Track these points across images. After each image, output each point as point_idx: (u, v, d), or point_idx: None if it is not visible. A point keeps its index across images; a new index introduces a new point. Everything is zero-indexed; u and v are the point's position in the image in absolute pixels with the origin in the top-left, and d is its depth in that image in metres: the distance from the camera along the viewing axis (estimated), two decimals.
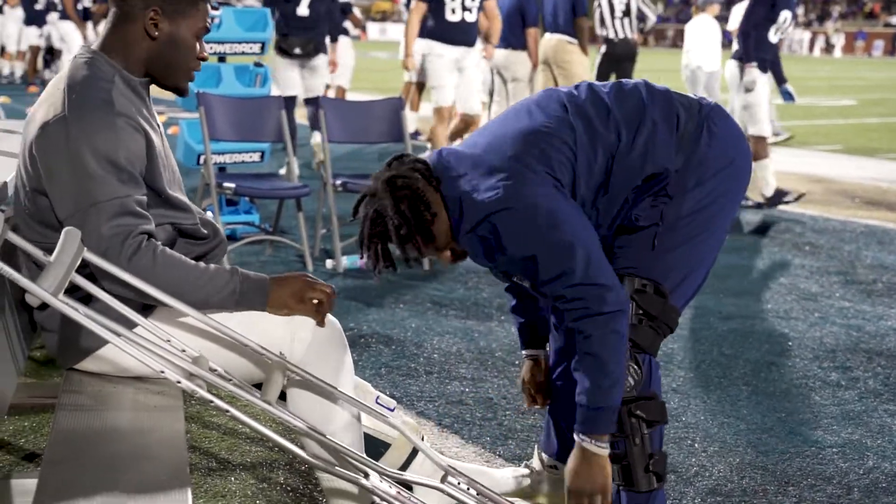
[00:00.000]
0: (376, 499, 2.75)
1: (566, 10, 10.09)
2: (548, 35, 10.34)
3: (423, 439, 2.82)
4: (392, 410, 3.13)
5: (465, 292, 5.74)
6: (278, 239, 6.45)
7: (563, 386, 3.02)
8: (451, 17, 8.90)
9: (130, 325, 2.46)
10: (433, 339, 4.89)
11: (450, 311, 5.36)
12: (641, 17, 11.67)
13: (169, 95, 3.08)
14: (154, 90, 2.82)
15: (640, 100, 2.78)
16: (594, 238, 2.67)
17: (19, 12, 18.07)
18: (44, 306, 2.30)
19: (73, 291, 2.42)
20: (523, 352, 3.22)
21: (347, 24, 12.85)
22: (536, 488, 3.25)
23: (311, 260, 6.06)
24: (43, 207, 2.61)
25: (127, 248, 2.47)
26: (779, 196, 8.42)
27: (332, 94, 12.28)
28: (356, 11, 13.91)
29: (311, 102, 9.38)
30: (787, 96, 8.74)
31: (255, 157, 6.76)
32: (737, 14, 8.37)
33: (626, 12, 11.38)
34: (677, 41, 64.14)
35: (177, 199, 2.76)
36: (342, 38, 12.65)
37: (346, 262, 6.12)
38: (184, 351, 2.52)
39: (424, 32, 9.31)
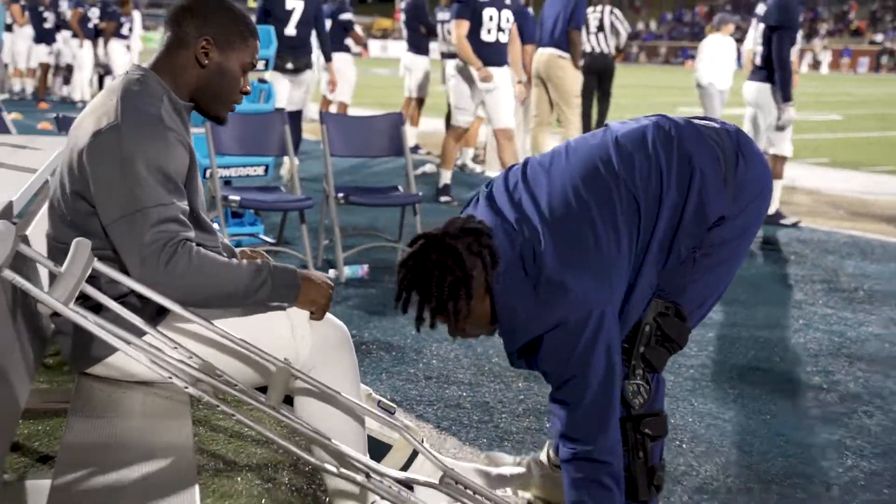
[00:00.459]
0: (377, 499, 2.78)
1: (565, 20, 10.14)
2: (540, 50, 10.34)
3: (422, 441, 2.84)
4: (393, 414, 3.15)
5: None
6: (282, 249, 6.45)
7: None
8: (487, 38, 9.05)
9: (140, 333, 2.46)
10: (432, 346, 4.91)
11: None
12: (615, 33, 11.76)
13: None
14: None
15: (686, 152, 2.68)
16: (617, 377, 2.61)
17: (29, 30, 18.02)
18: (56, 314, 2.33)
19: (87, 300, 2.46)
20: None
21: (349, 42, 12.84)
22: (534, 481, 3.24)
23: (313, 270, 6.07)
24: (81, 211, 2.62)
25: (165, 253, 2.48)
26: (777, 217, 8.44)
27: (334, 109, 12.29)
28: (358, 29, 13.89)
29: (294, 115, 9.43)
30: None
31: (260, 170, 6.75)
32: (752, 35, 8.35)
33: (600, 27, 11.48)
34: (669, 57, 64.27)
35: (205, 222, 2.81)
36: (344, 55, 12.66)
37: (347, 271, 6.12)
38: (191, 357, 2.52)
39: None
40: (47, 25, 17.83)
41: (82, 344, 2.68)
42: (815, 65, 53.48)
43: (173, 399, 2.62)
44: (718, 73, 11.55)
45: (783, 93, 8.21)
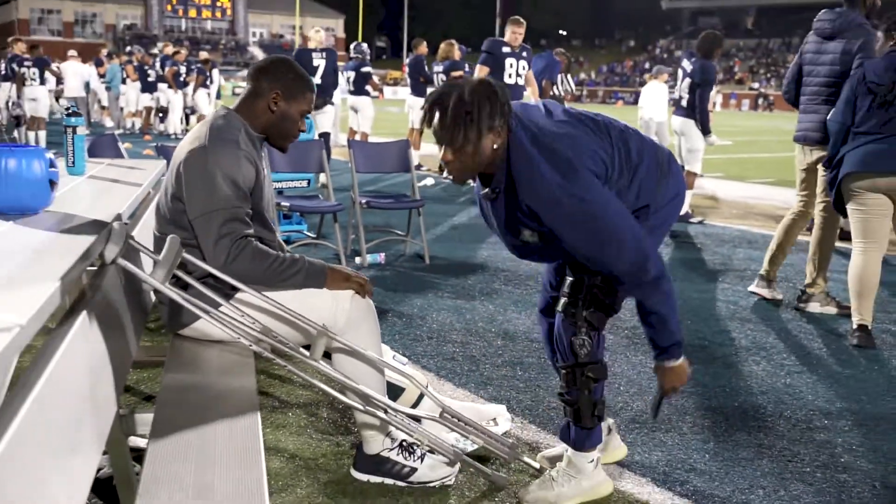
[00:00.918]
0: (392, 428, 2.76)
1: (543, 74, 10.63)
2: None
3: (426, 386, 2.81)
4: (404, 365, 3.13)
5: (455, 280, 5.72)
6: (321, 242, 6.42)
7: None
8: (508, 81, 9.16)
9: (216, 304, 2.48)
10: (432, 314, 4.87)
11: (444, 294, 5.34)
12: (568, 83, 12.04)
13: None
14: None
15: (642, 143, 2.64)
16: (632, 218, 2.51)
17: (137, 84, 18.40)
18: (156, 291, 2.34)
19: (178, 280, 2.45)
20: None
21: (369, 88, 12.83)
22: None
23: (344, 257, 6.04)
24: (177, 211, 2.66)
25: (234, 245, 2.56)
26: (687, 216, 8.48)
27: (358, 137, 12.28)
28: (375, 78, 13.90)
29: (322, 135, 9.80)
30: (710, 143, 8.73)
31: (304, 183, 6.75)
32: (678, 85, 8.48)
33: (560, 81, 11.67)
34: (605, 98, 64.41)
35: (268, 222, 2.81)
36: (366, 98, 12.64)
37: (369, 258, 6.09)
38: (254, 323, 2.53)
39: None
40: (150, 79, 18.10)
41: (174, 313, 2.69)
42: (712, 105, 53.52)
43: (241, 354, 2.62)
44: (656, 110, 11.66)
45: (704, 129, 8.37)
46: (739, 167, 14.80)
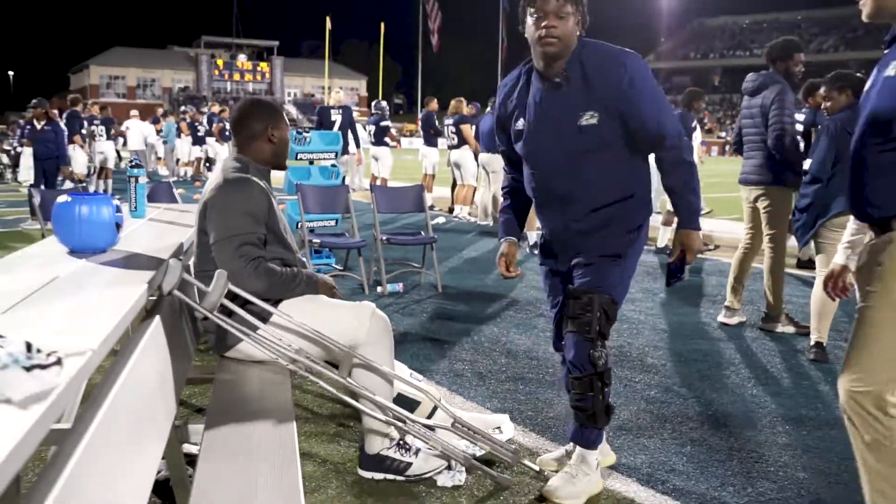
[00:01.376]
0: (409, 437, 2.75)
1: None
2: (482, 153, 10.48)
3: (440, 399, 2.81)
4: (420, 381, 3.13)
5: (464, 306, 5.72)
6: (347, 273, 6.44)
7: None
8: None
9: (255, 329, 2.50)
10: (444, 336, 4.86)
11: (455, 318, 5.34)
12: None
13: (278, 182, 3.14)
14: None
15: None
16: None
17: (189, 138, 18.58)
18: (205, 318, 2.34)
19: (223, 308, 2.46)
20: (504, 238, 2.93)
21: (387, 139, 12.94)
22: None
23: (367, 287, 6.06)
24: (205, 243, 2.70)
25: (248, 265, 2.60)
26: (665, 249, 8.48)
27: (379, 182, 12.36)
28: (393, 131, 14.04)
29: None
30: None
31: (332, 223, 6.78)
32: None
33: None
34: None
35: (287, 242, 2.84)
36: (385, 148, 12.77)
37: (389, 288, 6.07)
38: (290, 345, 2.54)
39: (460, 144, 9.93)
40: (200, 134, 18.28)
41: (221, 336, 2.70)
42: (700, 158, 53.45)
43: (278, 372, 2.62)
44: None
45: None
46: (710, 204, 14.74)
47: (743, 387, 4.00)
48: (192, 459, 2.58)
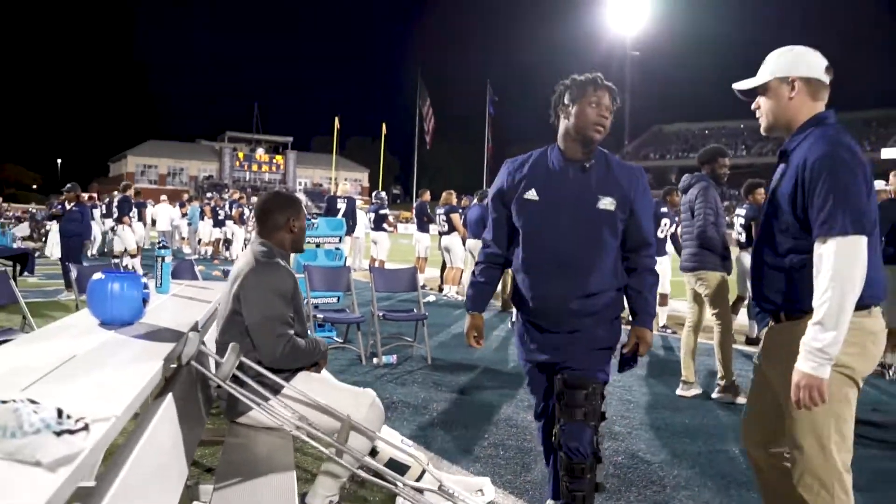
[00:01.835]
0: (400, 499, 2.69)
1: (481, 222, 10.12)
2: (469, 239, 10.42)
3: (427, 463, 2.77)
4: (410, 446, 3.08)
5: (452, 377, 5.66)
6: (346, 346, 6.40)
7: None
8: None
9: (265, 398, 2.46)
10: (433, 405, 4.80)
11: (443, 389, 5.28)
12: None
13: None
14: None
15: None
16: None
17: (210, 221, 18.76)
18: (219, 386, 2.32)
19: (235, 378, 2.44)
20: (471, 311, 2.80)
21: (385, 225, 13.06)
22: None
23: (364, 358, 6.01)
24: (237, 322, 2.67)
25: (286, 344, 2.62)
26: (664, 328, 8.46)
27: (377, 264, 12.41)
28: (391, 218, 14.22)
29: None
30: None
31: (334, 299, 6.79)
32: None
33: None
34: None
35: (303, 317, 2.85)
36: (383, 233, 12.89)
37: (384, 359, 6.00)
38: (294, 413, 2.52)
39: (450, 230, 10.11)
40: (220, 217, 18.46)
41: (232, 403, 2.67)
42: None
43: (283, 437, 2.60)
44: None
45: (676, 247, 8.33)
46: (676, 288, 14.77)
47: (700, 454, 3.95)
48: None
